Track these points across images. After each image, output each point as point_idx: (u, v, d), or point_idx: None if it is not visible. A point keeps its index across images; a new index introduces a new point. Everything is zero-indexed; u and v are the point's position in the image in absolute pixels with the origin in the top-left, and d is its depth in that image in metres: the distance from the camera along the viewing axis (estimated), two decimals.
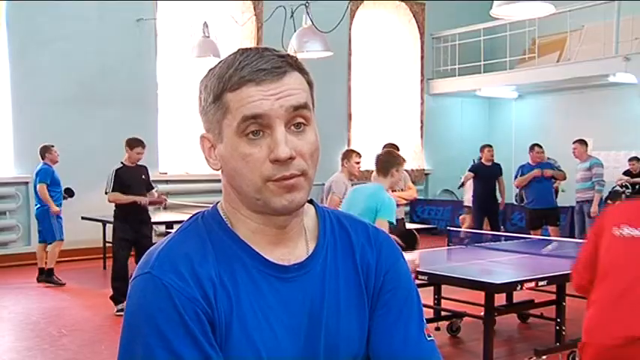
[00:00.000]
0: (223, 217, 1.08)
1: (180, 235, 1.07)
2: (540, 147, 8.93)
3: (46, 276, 7.81)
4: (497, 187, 9.51)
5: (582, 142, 8.86)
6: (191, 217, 1.11)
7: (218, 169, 1.07)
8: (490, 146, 9.61)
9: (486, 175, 9.39)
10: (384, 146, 6.93)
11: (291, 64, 1.02)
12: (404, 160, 4.84)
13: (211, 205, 1.12)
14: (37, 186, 7.73)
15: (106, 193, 6.58)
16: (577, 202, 9.04)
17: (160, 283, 0.99)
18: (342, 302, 1.09)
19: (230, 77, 1.00)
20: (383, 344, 1.11)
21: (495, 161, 9.55)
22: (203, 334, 0.98)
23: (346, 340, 1.09)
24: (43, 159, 7.80)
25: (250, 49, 1.03)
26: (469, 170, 9.63)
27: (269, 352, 1.02)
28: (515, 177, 9.10)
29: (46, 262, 7.88)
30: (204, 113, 1.04)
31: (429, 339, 1.13)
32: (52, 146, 7.84)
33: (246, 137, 1.00)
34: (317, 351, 1.07)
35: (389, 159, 4.76)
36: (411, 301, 1.14)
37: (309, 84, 1.05)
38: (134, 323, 1.00)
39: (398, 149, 6.75)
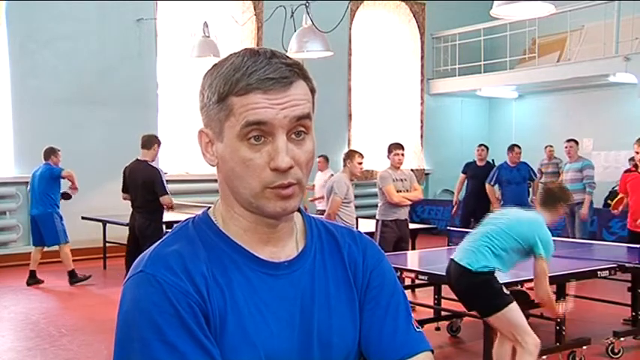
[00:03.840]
0: (214, 219, 1.11)
1: (171, 238, 1.09)
2: (519, 147, 8.82)
3: (71, 278, 7.80)
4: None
5: (576, 142, 8.82)
6: (182, 222, 1.14)
7: (214, 165, 1.09)
8: (481, 145, 9.52)
9: (477, 174, 9.30)
10: (390, 146, 6.75)
11: (298, 73, 1.04)
12: (569, 198, 4.25)
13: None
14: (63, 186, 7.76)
15: (162, 195, 6.21)
16: None
17: (154, 279, 1.01)
18: (333, 298, 1.12)
19: (237, 81, 1.00)
20: (372, 336, 1.13)
21: (489, 161, 9.48)
22: (198, 325, 1.00)
23: (339, 335, 1.11)
24: (46, 160, 7.72)
25: (258, 52, 1.03)
26: (462, 172, 9.59)
27: (265, 346, 1.04)
28: (491, 178, 8.84)
29: (34, 269, 7.82)
30: (206, 110, 1.05)
31: (417, 330, 1.16)
32: (59, 150, 7.79)
33: (247, 141, 1.01)
34: (311, 346, 1.08)
35: (552, 193, 4.14)
36: (398, 296, 1.17)
37: (312, 91, 1.07)
38: (129, 319, 1.01)
39: (403, 148, 6.66)
